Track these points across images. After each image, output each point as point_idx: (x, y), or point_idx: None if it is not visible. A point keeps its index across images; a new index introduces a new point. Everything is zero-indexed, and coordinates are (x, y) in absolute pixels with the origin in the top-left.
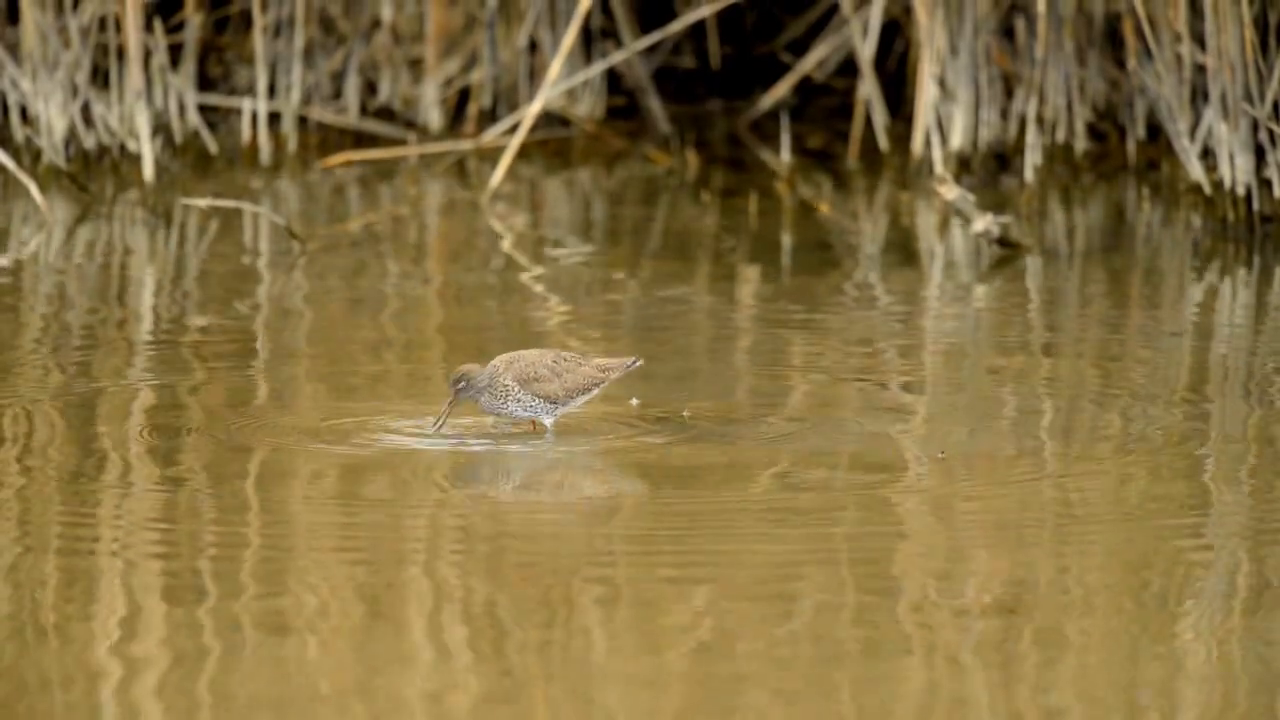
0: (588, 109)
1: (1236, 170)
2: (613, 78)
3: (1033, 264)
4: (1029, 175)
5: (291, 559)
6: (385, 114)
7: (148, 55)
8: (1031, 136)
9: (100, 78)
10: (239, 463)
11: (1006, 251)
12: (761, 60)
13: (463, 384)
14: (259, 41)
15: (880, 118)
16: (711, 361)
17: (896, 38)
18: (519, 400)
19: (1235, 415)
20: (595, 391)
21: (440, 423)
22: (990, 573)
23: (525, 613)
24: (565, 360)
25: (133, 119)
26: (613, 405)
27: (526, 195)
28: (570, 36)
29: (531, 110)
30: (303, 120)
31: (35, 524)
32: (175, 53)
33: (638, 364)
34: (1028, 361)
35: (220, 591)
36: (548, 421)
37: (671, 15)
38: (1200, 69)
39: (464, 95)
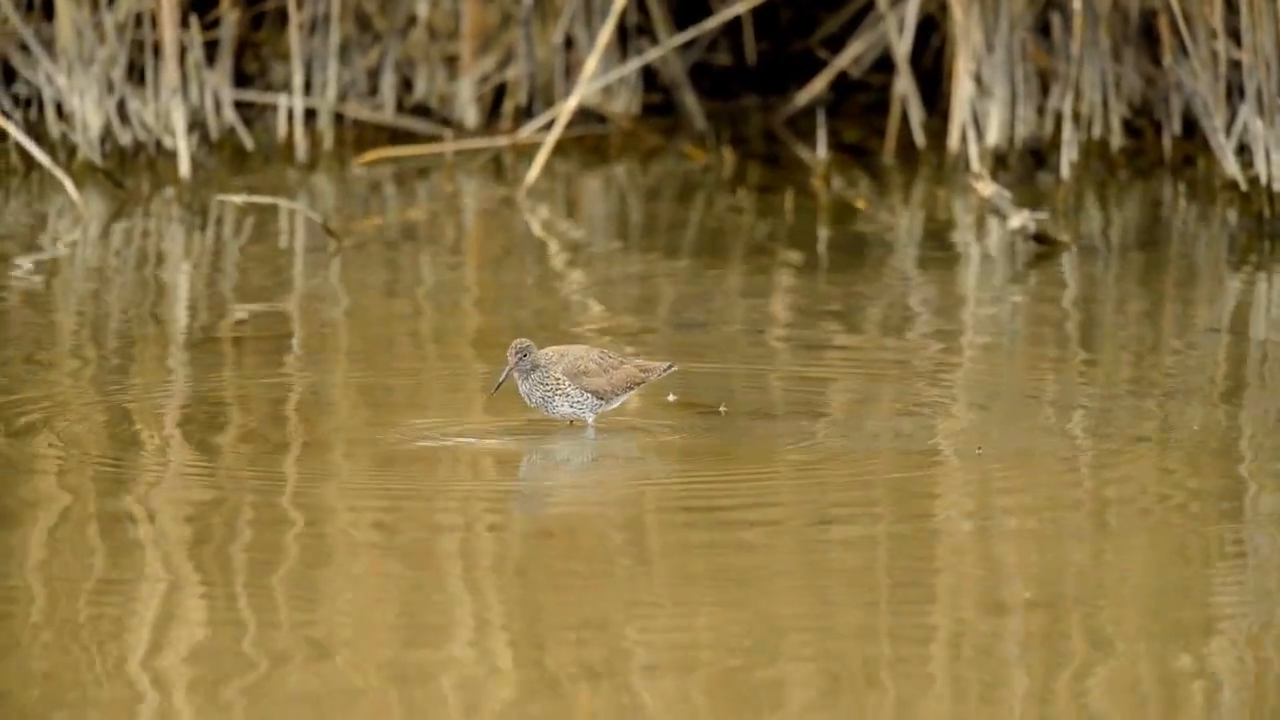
0: (623, 105)
1: (1272, 166)
2: (648, 74)
3: (1069, 260)
4: (1065, 171)
5: (330, 553)
6: (421, 110)
7: (183, 51)
8: (1067, 133)
9: (136, 74)
10: (275, 457)
11: (1042, 248)
12: (797, 56)
13: (522, 355)
14: (295, 38)
15: (916, 114)
16: (748, 357)
17: (933, 34)
18: (567, 395)
19: (1272, 410)
20: (634, 391)
21: (499, 384)
22: (1028, 567)
23: (564, 607)
24: (609, 357)
25: (168, 115)
26: (649, 400)
27: (562, 192)
28: (606, 33)
29: (567, 106)
30: (339, 117)
31: (72, 520)
32: (211, 49)
33: (673, 369)
34: (1064, 357)
35: (257, 587)
36: (589, 418)
37: (707, 11)
38: (1236, 65)
39: (500, 92)
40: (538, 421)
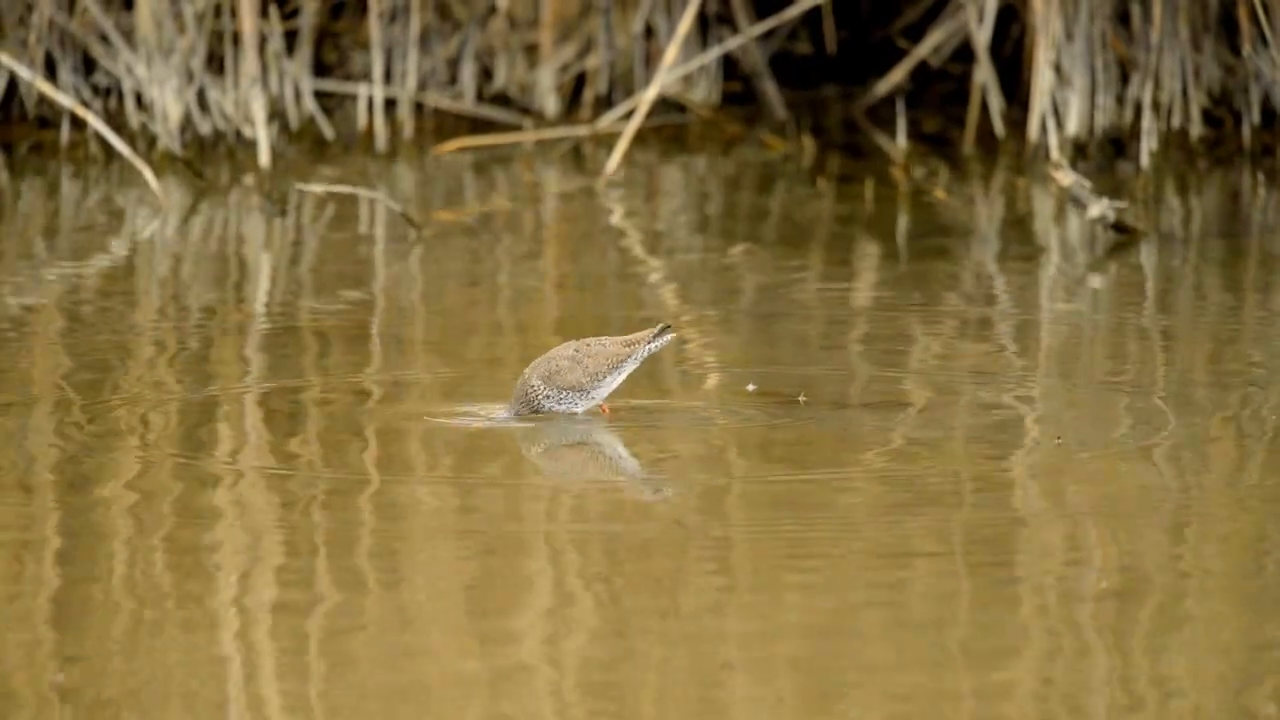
0: (703, 95)
1: None
2: (729, 63)
3: (1148, 249)
4: (1144, 161)
5: (406, 538)
6: (501, 100)
7: (263, 41)
8: (1147, 122)
9: (215, 64)
10: (354, 446)
11: (1122, 237)
12: (878, 45)
13: (506, 416)
14: (375, 27)
15: (996, 103)
16: (827, 347)
17: (1012, 23)
18: (549, 397)
19: None
20: (627, 367)
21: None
22: (1107, 556)
23: (640, 591)
24: (587, 346)
25: (248, 105)
26: (729, 390)
27: (642, 181)
28: (686, 22)
29: (647, 96)
30: (418, 106)
31: (152, 508)
32: (291, 39)
33: (668, 332)
34: (1143, 346)
35: (335, 572)
36: (578, 410)
37: (788, 1)
38: None
39: (580, 81)
40: (616, 412)
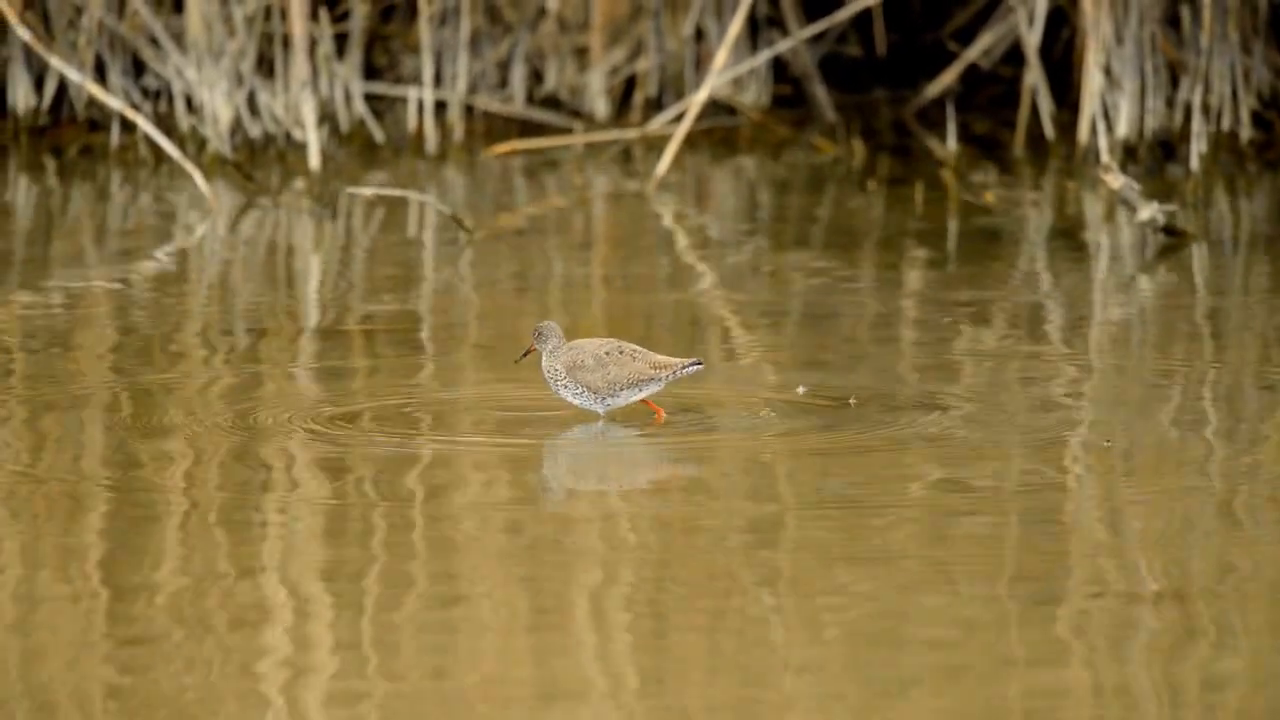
0: (753, 97)
1: None
2: (778, 66)
3: (1198, 252)
4: (1194, 163)
5: (457, 543)
6: (551, 103)
7: (313, 44)
8: (1197, 125)
9: (265, 67)
10: (404, 449)
11: (1171, 240)
12: (928, 48)
13: (538, 334)
14: (425, 30)
15: (1046, 106)
16: (878, 349)
17: (1062, 26)
18: (566, 387)
19: None
20: (649, 387)
21: (519, 358)
22: (1157, 560)
23: (689, 595)
24: (620, 353)
25: (298, 108)
26: (780, 392)
27: (692, 184)
28: (736, 25)
29: (697, 99)
30: (468, 109)
31: (202, 507)
32: (341, 42)
33: (698, 366)
34: (1193, 349)
35: (385, 577)
36: (592, 409)
37: (838, 3)
38: None
39: (630, 84)
40: (668, 415)
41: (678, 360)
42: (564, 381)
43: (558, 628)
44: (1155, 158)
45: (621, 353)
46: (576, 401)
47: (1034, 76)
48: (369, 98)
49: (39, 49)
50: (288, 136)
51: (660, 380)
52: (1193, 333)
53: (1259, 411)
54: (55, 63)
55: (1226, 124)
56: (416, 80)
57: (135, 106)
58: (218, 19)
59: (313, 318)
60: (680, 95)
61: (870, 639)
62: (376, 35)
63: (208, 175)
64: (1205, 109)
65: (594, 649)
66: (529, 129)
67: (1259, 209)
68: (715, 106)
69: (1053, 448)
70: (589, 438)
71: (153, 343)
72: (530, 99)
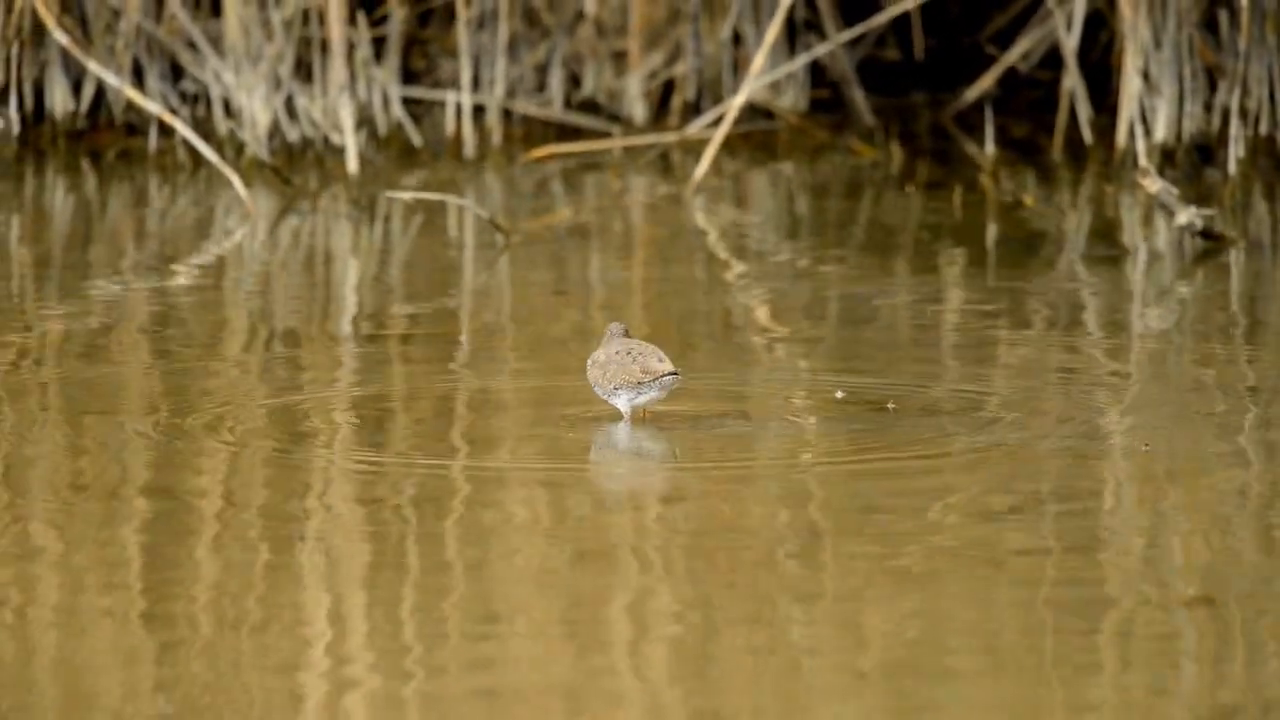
0: (791, 101)
1: None
2: (816, 70)
3: (1236, 257)
4: (1232, 168)
5: (494, 551)
6: (589, 107)
7: (351, 48)
8: (1235, 129)
9: (303, 71)
10: (443, 455)
11: (1210, 244)
12: (966, 52)
13: (607, 333)
14: (463, 34)
15: (1084, 110)
16: (916, 354)
17: (1101, 30)
18: (592, 378)
19: None
20: (643, 395)
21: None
22: (1193, 564)
23: (728, 605)
24: (627, 354)
25: (336, 112)
26: (818, 396)
27: (730, 188)
28: (774, 29)
29: (735, 103)
30: (506, 113)
31: (237, 515)
32: (379, 45)
33: (676, 378)
34: (1231, 354)
35: (424, 586)
36: (611, 404)
37: (876, 7)
38: None
39: (668, 88)
40: (700, 417)
41: (662, 368)
42: (590, 373)
43: (594, 645)
44: (1193, 162)
45: (629, 354)
46: (598, 392)
47: (1072, 80)
48: (407, 102)
49: (77, 53)
50: (326, 141)
51: (643, 384)
52: (1230, 337)
53: None
54: (93, 67)
55: (1264, 128)
56: (454, 84)
57: (173, 111)
58: (255, 23)
59: (350, 321)
60: (718, 99)
61: (902, 643)
62: (414, 39)
63: (246, 179)
64: (1243, 113)
65: (630, 669)
66: (567, 133)
67: None
68: (753, 110)
69: (1090, 452)
70: (629, 440)
71: (190, 348)
72: (568, 103)
